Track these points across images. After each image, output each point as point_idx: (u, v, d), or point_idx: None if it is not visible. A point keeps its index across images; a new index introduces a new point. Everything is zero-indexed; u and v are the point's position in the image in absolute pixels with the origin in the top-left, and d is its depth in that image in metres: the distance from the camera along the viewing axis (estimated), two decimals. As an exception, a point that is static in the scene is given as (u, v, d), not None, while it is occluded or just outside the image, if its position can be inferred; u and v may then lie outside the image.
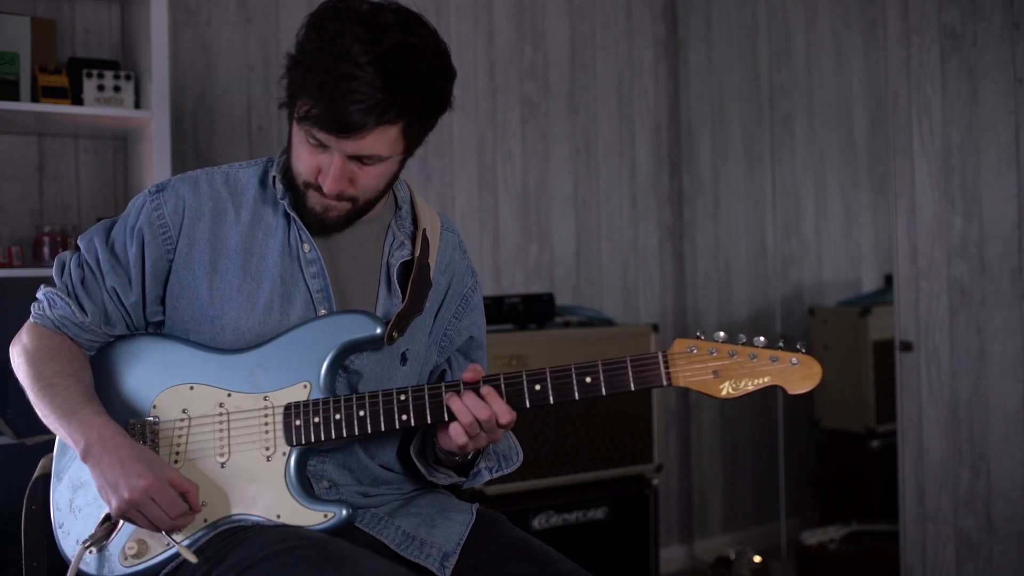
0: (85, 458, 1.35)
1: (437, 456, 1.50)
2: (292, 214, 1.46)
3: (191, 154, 2.82)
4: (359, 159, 1.37)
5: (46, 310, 1.48)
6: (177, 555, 1.37)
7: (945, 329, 2.56)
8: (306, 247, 1.46)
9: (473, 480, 1.53)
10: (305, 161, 1.39)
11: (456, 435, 1.37)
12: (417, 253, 1.51)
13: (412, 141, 1.40)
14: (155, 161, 2.38)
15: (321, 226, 1.45)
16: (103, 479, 1.33)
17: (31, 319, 1.50)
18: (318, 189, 1.41)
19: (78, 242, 1.51)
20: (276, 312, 1.44)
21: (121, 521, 1.38)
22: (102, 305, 1.47)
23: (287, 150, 1.46)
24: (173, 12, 2.76)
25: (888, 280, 3.63)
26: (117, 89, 2.41)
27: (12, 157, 2.60)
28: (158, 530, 1.34)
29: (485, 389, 1.36)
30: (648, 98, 3.68)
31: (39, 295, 1.50)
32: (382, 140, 1.34)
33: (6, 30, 2.37)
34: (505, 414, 1.36)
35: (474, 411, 1.35)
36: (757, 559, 3.13)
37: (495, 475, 1.54)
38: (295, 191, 1.45)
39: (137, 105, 2.46)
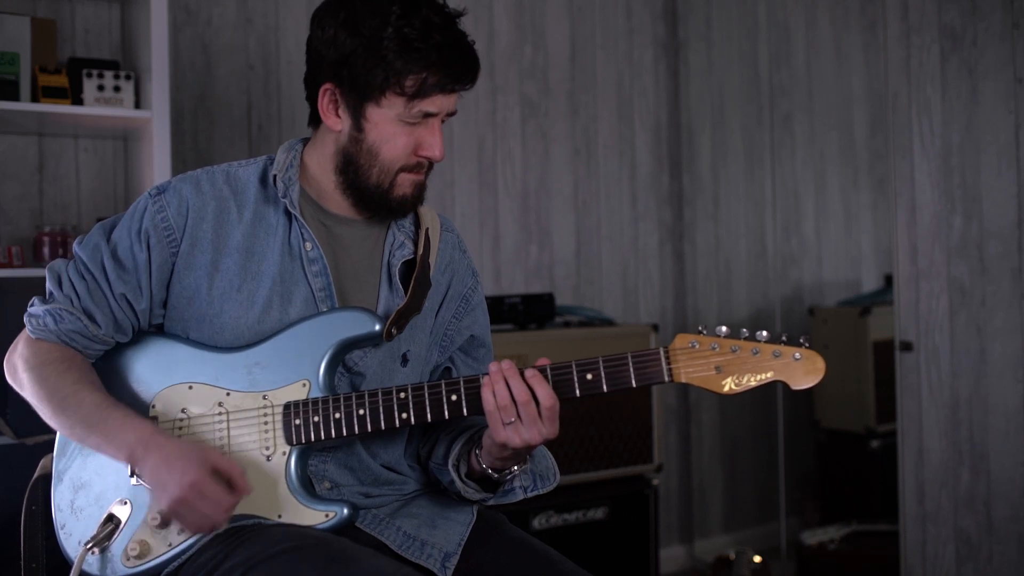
0: (132, 463, 1.36)
1: (470, 468, 1.46)
2: (294, 212, 1.46)
3: (191, 154, 2.82)
4: (442, 119, 1.45)
5: (50, 325, 1.42)
6: (179, 555, 1.37)
7: (945, 329, 2.56)
8: (308, 245, 1.46)
9: (504, 497, 1.49)
10: (402, 146, 1.43)
11: (492, 423, 1.33)
12: (420, 252, 1.52)
13: None
14: (155, 161, 2.37)
15: (408, 207, 1.49)
16: (152, 481, 1.33)
17: (27, 334, 1.45)
18: (415, 168, 1.45)
19: (76, 250, 1.46)
20: (275, 311, 1.44)
21: (123, 522, 1.39)
22: (111, 314, 1.43)
23: (352, 154, 1.44)
24: (173, 12, 2.76)
25: (888, 280, 3.63)
26: (117, 89, 2.41)
27: (12, 157, 2.60)
28: (207, 528, 1.32)
29: (529, 372, 1.33)
30: (648, 98, 3.68)
31: (37, 311, 1.43)
32: None
33: (6, 30, 2.37)
34: (548, 397, 1.32)
35: (514, 392, 1.32)
36: (757, 559, 3.13)
37: (529, 495, 1.50)
38: (367, 194, 1.45)
39: (137, 105, 2.46)
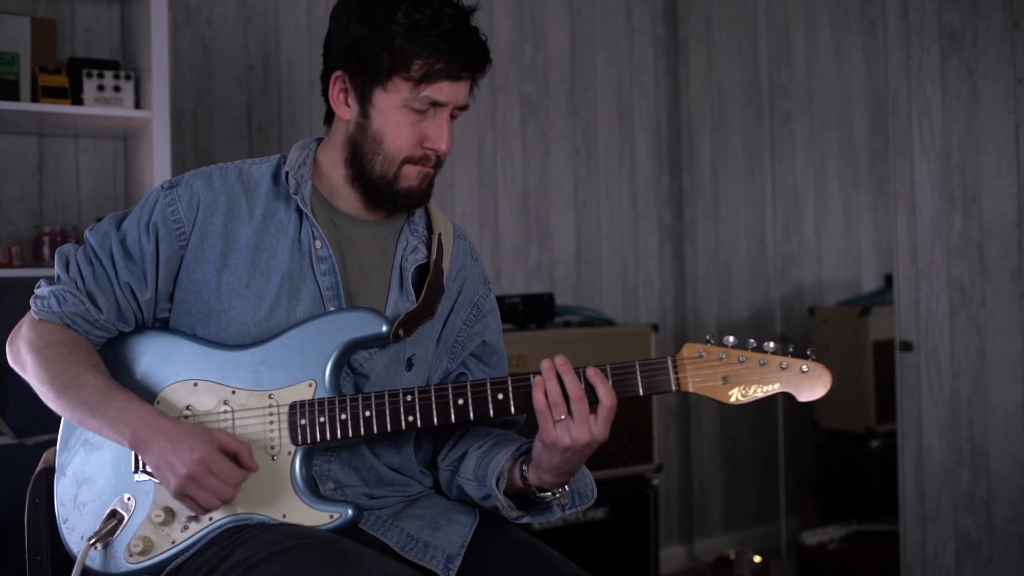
0: (135, 446, 1.34)
1: (509, 483, 1.42)
2: (305, 209, 1.46)
3: (191, 154, 2.82)
4: (453, 114, 1.45)
5: (53, 306, 1.43)
6: (182, 552, 1.37)
7: (945, 329, 2.56)
8: (317, 243, 1.46)
9: (540, 515, 1.45)
10: (407, 135, 1.42)
11: (543, 422, 1.30)
12: (433, 257, 1.51)
13: None
14: (155, 161, 2.37)
15: (415, 201, 1.49)
16: (157, 462, 1.32)
17: (32, 315, 1.46)
18: (420, 160, 1.45)
19: (87, 236, 1.48)
20: (283, 308, 1.44)
21: (126, 518, 1.39)
22: (115, 301, 1.45)
23: (358, 143, 1.45)
24: (173, 12, 2.76)
25: (888, 280, 3.63)
26: (117, 89, 2.41)
27: (12, 157, 2.60)
28: (216, 504, 1.32)
29: (591, 371, 1.31)
30: (648, 98, 3.68)
31: (42, 292, 1.45)
32: None
33: (6, 30, 2.36)
34: (608, 396, 1.30)
35: (568, 387, 1.29)
36: (757, 559, 3.13)
37: (567, 512, 1.47)
38: (373, 184, 1.45)
39: (137, 105, 2.46)
